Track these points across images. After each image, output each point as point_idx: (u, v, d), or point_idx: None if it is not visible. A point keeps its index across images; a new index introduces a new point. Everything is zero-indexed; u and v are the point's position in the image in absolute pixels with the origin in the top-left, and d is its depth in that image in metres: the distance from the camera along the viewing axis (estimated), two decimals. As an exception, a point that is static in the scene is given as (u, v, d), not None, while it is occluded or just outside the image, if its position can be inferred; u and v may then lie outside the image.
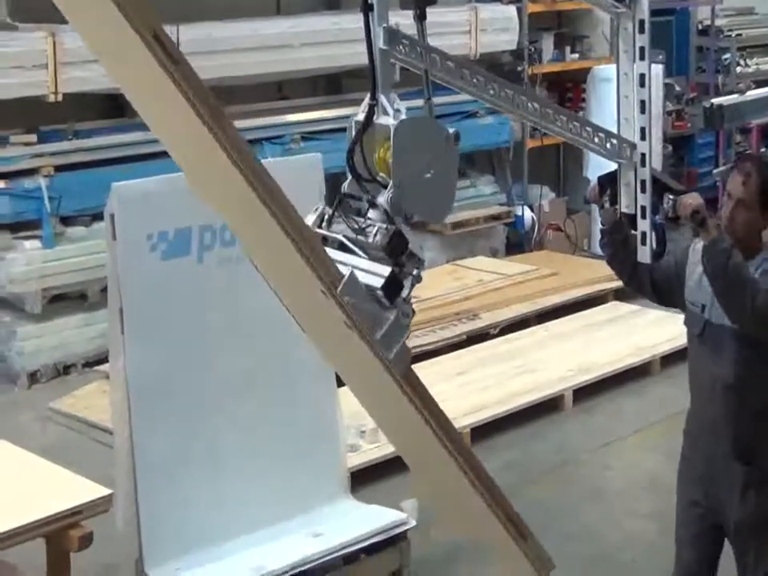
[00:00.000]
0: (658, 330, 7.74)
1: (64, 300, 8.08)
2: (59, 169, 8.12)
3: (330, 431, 5.37)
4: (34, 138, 8.13)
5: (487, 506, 3.14)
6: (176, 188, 4.92)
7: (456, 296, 8.78)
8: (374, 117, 3.00)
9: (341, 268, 2.88)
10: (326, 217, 3.05)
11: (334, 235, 3.01)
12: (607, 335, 8.11)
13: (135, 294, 4.70)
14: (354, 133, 3.03)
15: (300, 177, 5.27)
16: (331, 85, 10.32)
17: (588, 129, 3.32)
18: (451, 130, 3.02)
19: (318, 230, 3.05)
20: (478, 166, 10.86)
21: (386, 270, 2.84)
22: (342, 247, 3.01)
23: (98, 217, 7.70)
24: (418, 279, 2.96)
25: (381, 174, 2.99)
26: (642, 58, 3.42)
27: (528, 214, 10.63)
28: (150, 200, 4.85)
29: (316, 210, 3.11)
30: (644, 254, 3.53)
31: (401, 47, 3.04)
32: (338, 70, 9.80)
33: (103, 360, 7.20)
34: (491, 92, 3.13)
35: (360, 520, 5.14)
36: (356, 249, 2.96)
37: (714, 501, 4.07)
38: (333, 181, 5.50)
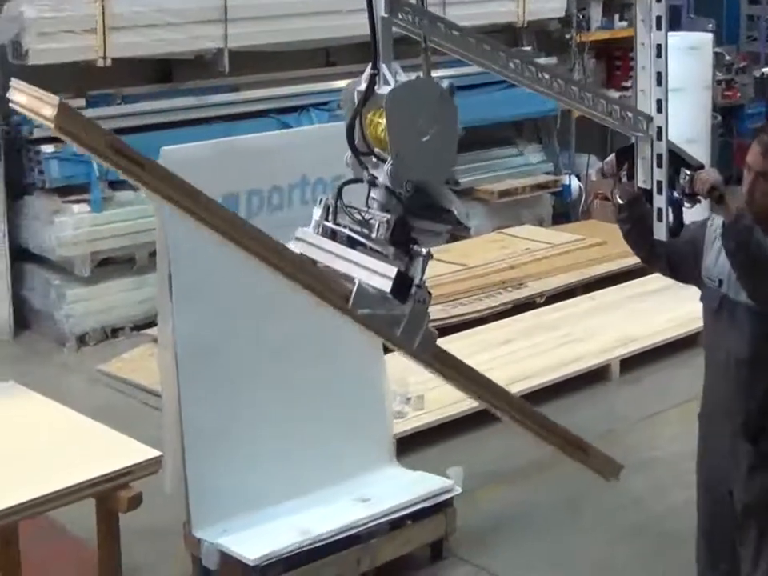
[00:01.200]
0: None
1: (112, 264, 8.13)
2: (108, 133, 8.14)
3: (376, 397, 5.38)
4: (83, 102, 8.15)
5: (542, 439, 3.19)
6: (224, 153, 4.96)
7: (502, 264, 8.75)
8: (375, 87, 2.94)
9: (349, 268, 2.87)
10: (331, 209, 3.03)
11: (341, 230, 2.99)
12: (653, 306, 8.05)
13: (183, 258, 4.72)
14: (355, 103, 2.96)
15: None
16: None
17: (602, 101, 3.25)
18: (445, 84, 2.93)
19: (326, 224, 3.03)
20: (525, 135, 10.80)
21: (392, 271, 2.77)
22: (351, 241, 2.98)
23: (146, 181, 7.74)
24: (428, 257, 2.87)
25: (376, 149, 2.94)
26: (658, 27, 3.31)
27: (575, 183, 10.56)
28: (199, 164, 4.85)
29: (320, 201, 3.09)
30: (660, 231, 3.43)
31: (402, 15, 2.98)
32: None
33: (151, 323, 7.25)
34: (499, 62, 3.04)
35: (406, 486, 5.16)
36: (362, 240, 2.92)
37: (725, 482, 4.00)
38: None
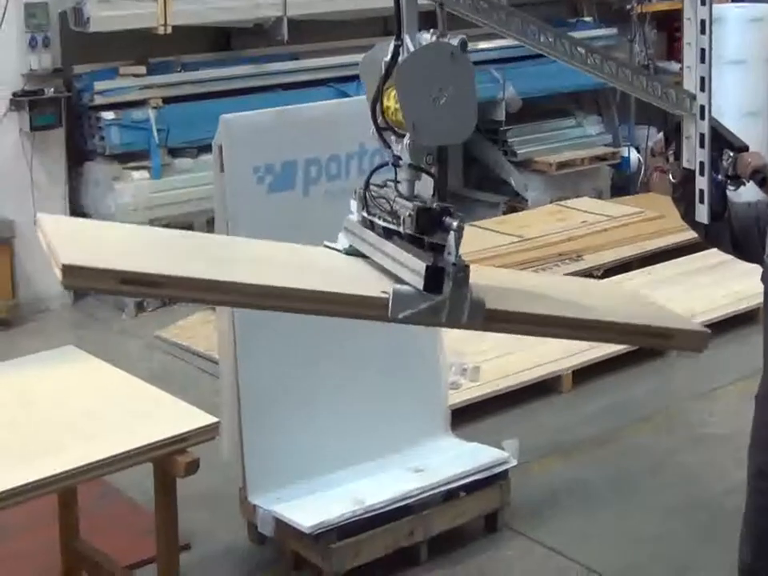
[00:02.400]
0: (765, 276, 7.57)
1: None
2: (167, 101, 8.20)
3: (432, 368, 5.37)
4: (143, 69, 8.21)
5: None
6: (283, 121, 4.95)
7: (559, 236, 8.68)
8: (400, 59, 2.88)
9: (386, 261, 2.91)
10: (366, 198, 3.05)
11: (376, 220, 3.02)
12: (711, 281, 7.96)
13: (241, 226, 4.72)
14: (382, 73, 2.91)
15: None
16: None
17: (642, 78, 3.18)
18: (456, 41, 2.87)
19: (363, 215, 3.06)
20: (583, 106, 10.69)
21: (422, 267, 2.74)
22: (386, 231, 3.00)
23: (204, 149, 7.77)
24: (460, 232, 2.80)
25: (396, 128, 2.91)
26: (703, 2, 3.23)
27: (634, 156, 10.46)
28: (258, 132, 4.86)
29: (355, 193, 3.11)
30: (701, 213, 3.35)
31: None
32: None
33: (208, 291, 7.26)
34: (531, 35, 2.97)
35: (461, 457, 5.15)
36: (394, 230, 2.95)
37: None
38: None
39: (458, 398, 6.07)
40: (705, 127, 3.27)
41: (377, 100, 2.96)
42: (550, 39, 3.04)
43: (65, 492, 4.40)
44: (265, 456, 4.84)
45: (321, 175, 5.01)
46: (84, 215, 8.20)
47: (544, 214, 9.28)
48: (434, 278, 2.75)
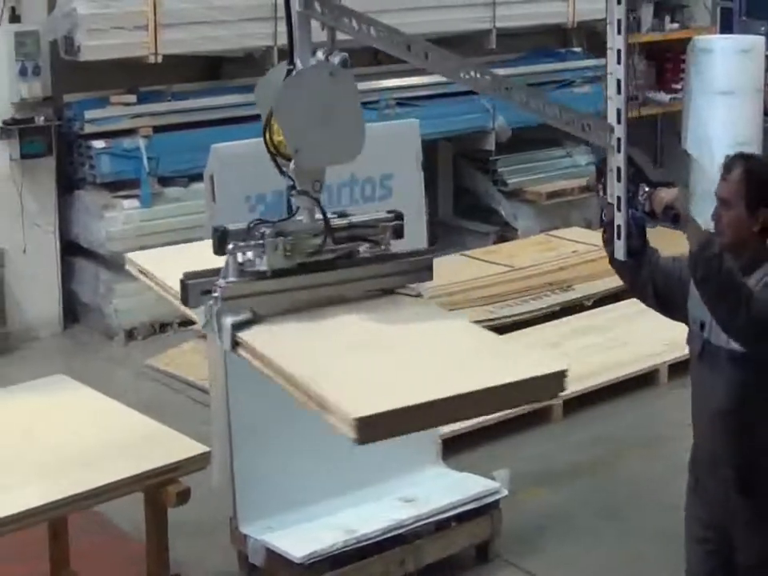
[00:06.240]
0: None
1: (161, 259, 8.16)
2: (158, 129, 8.20)
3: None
4: (133, 98, 8.21)
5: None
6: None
7: (550, 266, 8.69)
8: None
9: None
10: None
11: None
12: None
13: (233, 255, 4.71)
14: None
15: (397, 142, 5.27)
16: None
17: (555, 109, 3.13)
18: (337, 59, 2.89)
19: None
20: (572, 136, 10.68)
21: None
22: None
23: (194, 178, 7.77)
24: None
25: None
26: (619, 31, 3.11)
27: (623, 186, 10.49)
28: (249, 162, 4.86)
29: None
30: (618, 250, 3.24)
31: (318, 7, 2.95)
32: (435, 36, 9.73)
33: (198, 319, 7.26)
34: (426, 59, 2.94)
35: (452, 487, 5.14)
36: None
37: (722, 537, 3.72)
38: (429, 148, 5.51)
39: (448, 427, 6.04)
40: (621, 161, 3.15)
41: (266, 127, 2.95)
42: (437, 61, 2.98)
43: (55, 521, 4.38)
44: (255, 485, 4.82)
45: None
46: (74, 244, 8.21)
47: (534, 244, 9.29)
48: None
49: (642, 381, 7.08)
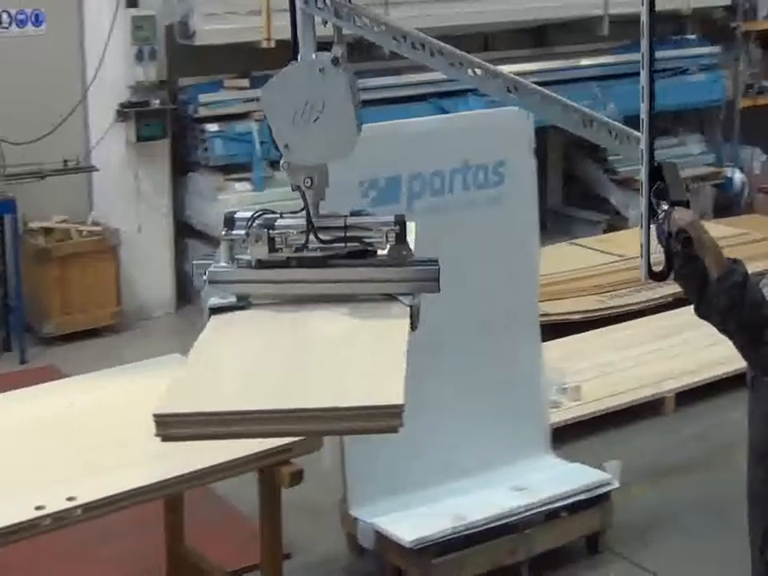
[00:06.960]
0: None
1: (272, 241, 8.22)
2: (270, 114, 8.24)
3: (533, 386, 5.33)
4: (246, 82, 8.29)
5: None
6: (387, 136, 4.96)
7: (660, 257, 8.54)
8: None
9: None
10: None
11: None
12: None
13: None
14: None
15: (510, 129, 5.23)
16: (536, 37, 10.18)
17: (574, 114, 3.01)
18: (329, 56, 2.88)
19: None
20: (685, 125, 10.56)
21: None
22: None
23: (306, 162, 7.81)
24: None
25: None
26: (643, 34, 2.95)
27: (738, 176, 10.30)
28: (363, 147, 4.85)
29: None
30: (642, 269, 3.08)
31: (320, 4, 2.95)
32: (542, 23, 9.68)
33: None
34: (424, 57, 2.94)
35: (563, 477, 5.10)
36: None
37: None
38: (539, 135, 5.47)
39: (558, 417, 6.00)
40: (642, 174, 2.98)
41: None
42: (445, 58, 3.02)
43: (171, 497, 4.44)
44: (366, 469, 4.83)
45: (424, 190, 5.02)
46: (187, 226, 8.31)
47: (645, 234, 9.15)
48: None
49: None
